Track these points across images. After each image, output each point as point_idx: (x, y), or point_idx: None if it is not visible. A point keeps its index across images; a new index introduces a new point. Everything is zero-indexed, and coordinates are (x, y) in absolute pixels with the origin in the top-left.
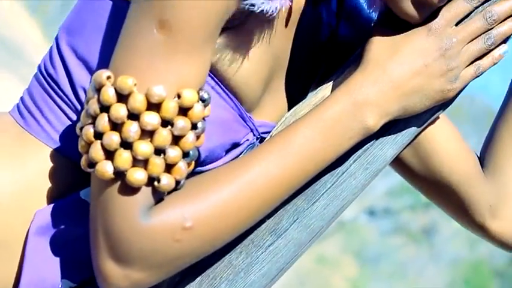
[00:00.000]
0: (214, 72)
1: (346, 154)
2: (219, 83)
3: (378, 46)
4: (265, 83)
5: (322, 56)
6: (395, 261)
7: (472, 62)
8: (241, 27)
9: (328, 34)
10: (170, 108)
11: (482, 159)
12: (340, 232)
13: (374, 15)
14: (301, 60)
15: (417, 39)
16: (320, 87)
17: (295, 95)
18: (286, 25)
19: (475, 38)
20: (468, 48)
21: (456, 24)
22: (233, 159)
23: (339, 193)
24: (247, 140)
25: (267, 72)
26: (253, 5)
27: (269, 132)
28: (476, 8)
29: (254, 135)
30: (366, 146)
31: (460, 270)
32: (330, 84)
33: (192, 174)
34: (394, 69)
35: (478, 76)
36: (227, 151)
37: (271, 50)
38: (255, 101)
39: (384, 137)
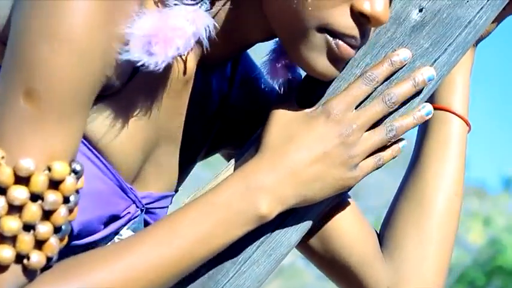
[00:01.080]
0: (88, 141)
1: (248, 241)
2: (95, 152)
3: (277, 131)
4: (145, 153)
5: (215, 122)
6: None
7: (373, 153)
8: (118, 95)
9: (219, 100)
10: (39, 182)
11: (382, 237)
12: (280, 277)
13: (272, 83)
14: (187, 130)
15: (317, 125)
16: (221, 171)
17: (183, 163)
18: (168, 95)
19: (377, 123)
20: (370, 137)
21: (356, 107)
22: (114, 232)
23: (243, 282)
24: (129, 212)
25: (146, 141)
26: (132, 59)
27: (154, 202)
28: (377, 87)
29: (137, 207)
30: (269, 232)
31: None
32: (230, 168)
33: (67, 248)
34: (292, 156)
35: (379, 167)
36: (106, 224)
37: (151, 120)
38: (133, 171)
39: (287, 223)
